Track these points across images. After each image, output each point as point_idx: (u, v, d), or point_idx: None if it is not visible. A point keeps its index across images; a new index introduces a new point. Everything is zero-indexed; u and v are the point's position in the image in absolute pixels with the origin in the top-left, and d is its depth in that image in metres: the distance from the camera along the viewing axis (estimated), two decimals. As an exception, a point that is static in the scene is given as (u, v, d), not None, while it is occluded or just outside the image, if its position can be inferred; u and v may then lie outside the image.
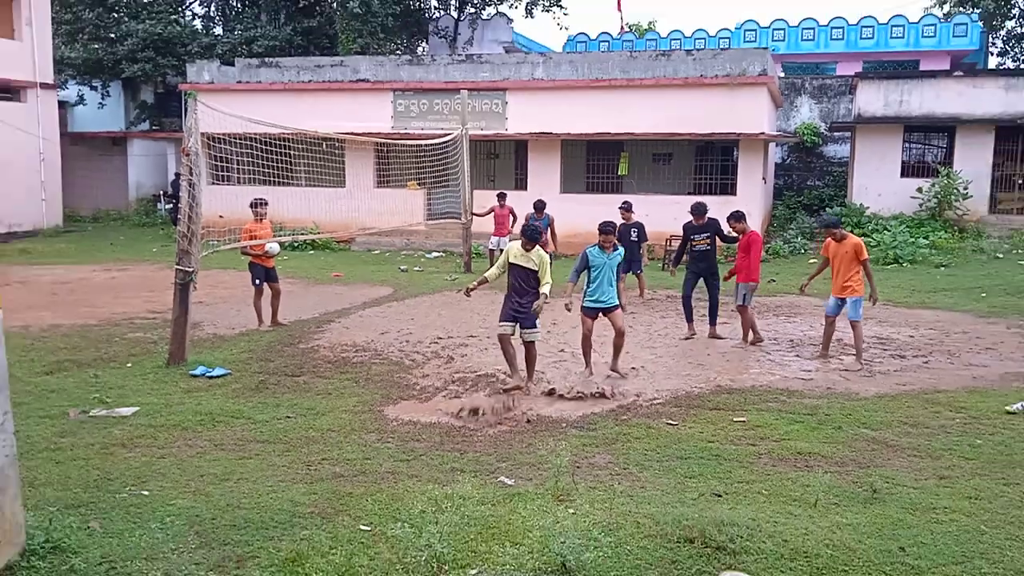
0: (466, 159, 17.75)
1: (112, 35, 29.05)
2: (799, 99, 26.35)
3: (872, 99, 21.39)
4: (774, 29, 33.23)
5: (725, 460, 6.46)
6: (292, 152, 17.82)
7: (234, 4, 33.57)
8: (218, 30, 32.32)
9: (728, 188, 20.48)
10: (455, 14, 32.02)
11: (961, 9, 33.60)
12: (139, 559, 4.61)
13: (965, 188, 20.17)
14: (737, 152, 20.49)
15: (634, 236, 12.94)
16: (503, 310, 8.62)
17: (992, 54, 35.36)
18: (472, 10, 31.96)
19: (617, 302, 9.23)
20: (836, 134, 25.53)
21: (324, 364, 9.55)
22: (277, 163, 15.74)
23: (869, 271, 9.70)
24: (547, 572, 4.52)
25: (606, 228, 9.06)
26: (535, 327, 8.60)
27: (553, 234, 14.95)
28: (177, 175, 22.77)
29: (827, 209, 22.11)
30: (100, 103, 29.86)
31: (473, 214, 17.82)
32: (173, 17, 29.92)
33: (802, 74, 30.20)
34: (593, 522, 5.08)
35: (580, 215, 18.08)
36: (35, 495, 5.48)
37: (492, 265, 10.16)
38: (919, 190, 20.68)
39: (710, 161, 21.80)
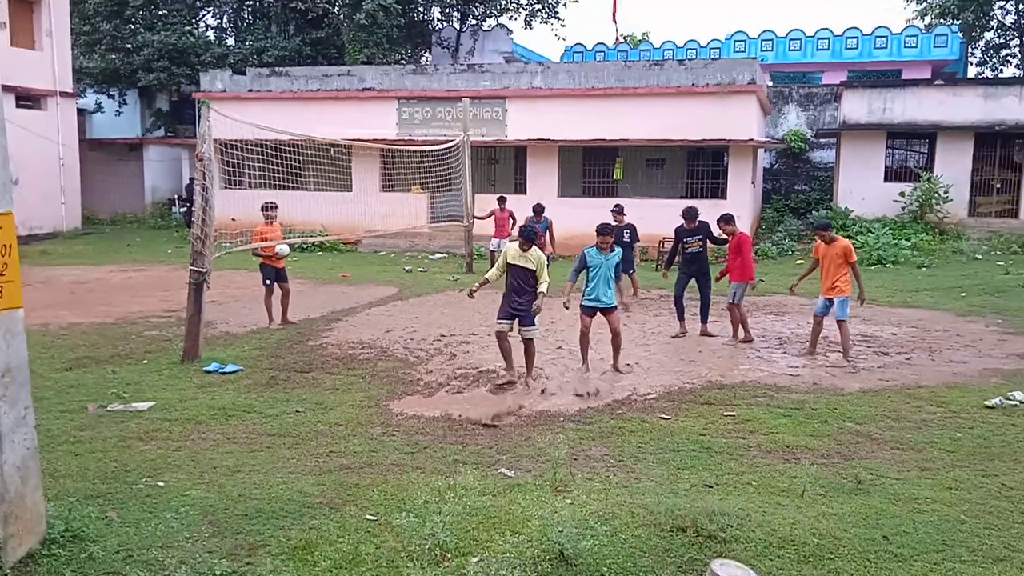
0: (468, 164, 17.74)
1: (129, 46, 29.03)
2: (787, 107, 26.35)
3: (856, 107, 21.40)
4: (763, 40, 33.22)
5: (716, 453, 6.46)
6: (301, 158, 17.81)
7: (245, 16, 33.55)
8: (230, 41, 32.29)
9: (719, 192, 20.48)
10: (457, 25, 32.00)
11: (942, 21, 33.59)
12: (155, 547, 4.61)
13: (945, 192, 20.19)
14: (727, 158, 20.50)
15: (626, 237, 12.94)
16: (501, 308, 8.63)
17: (971, 64, 35.38)
18: (473, 22, 31.94)
19: (614, 303, 9.24)
20: (822, 140, 25.53)
21: (332, 361, 9.55)
22: (287, 168, 15.76)
23: (858, 272, 9.70)
24: (545, 560, 4.52)
25: (604, 230, 9.07)
26: (534, 325, 8.60)
27: (551, 236, 14.94)
28: (191, 180, 22.73)
29: (814, 212, 22.14)
30: (117, 111, 29.84)
31: (474, 217, 17.80)
32: (187, 28, 29.90)
33: (789, 83, 30.17)
34: (590, 512, 5.08)
35: (577, 218, 18.08)
36: (55, 486, 5.48)
37: (492, 266, 10.16)
38: (901, 194, 20.71)
39: (701, 166, 21.81)
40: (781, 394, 8.19)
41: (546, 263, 8.62)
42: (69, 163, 24.52)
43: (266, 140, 14.06)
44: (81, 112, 27.89)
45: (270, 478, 5.80)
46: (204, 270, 9.28)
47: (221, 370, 8.92)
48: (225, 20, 34.08)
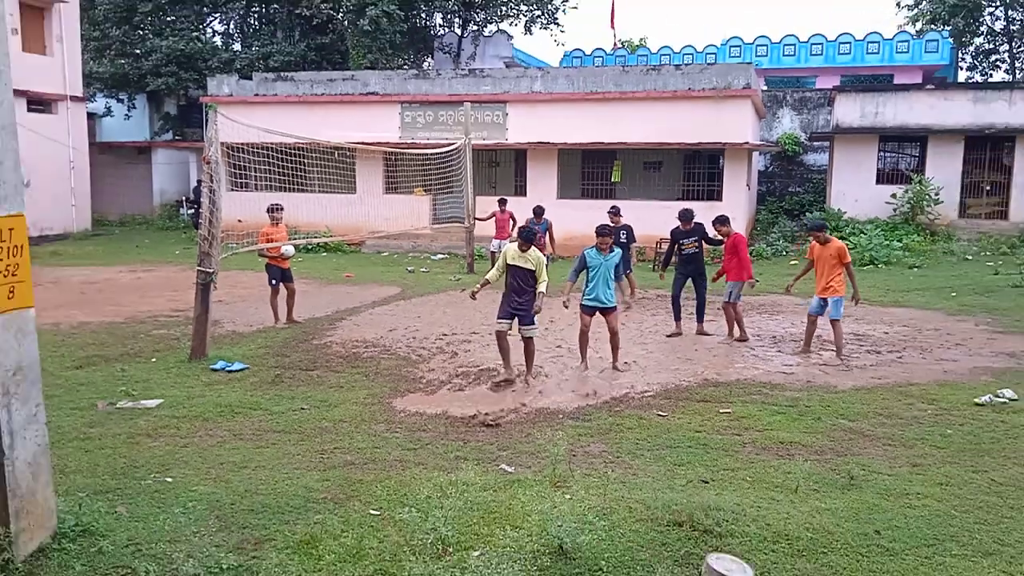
0: (469, 167, 17.73)
1: (137, 51, 29.05)
2: (781, 111, 26.33)
3: (849, 111, 21.39)
4: (757, 45, 33.19)
5: (712, 449, 6.46)
6: (306, 160, 17.82)
7: (252, 22, 33.55)
8: (237, 46, 32.29)
9: (714, 194, 20.46)
10: (459, 31, 31.98)
11: (933, 27, 33.57)
12: (163, 541, 4.61)
13: (936, 194, 20.18)
14: (723, 160, 20.47)
15: (623, 238, 12.94)
16: (501, 308, 8.62)
17: (962, 69, 35.35)
18: (475, 27, 31.93)
19: (614, 303, 9.23)
20: (815, 143, 25.51)
21: (336, 359, 9.54)
22: (292, 171, 15.76)
23: (852, 273, 9.70)
24: (545, 554, 4.52)
25: (603, 231, 9.10)
26: (533, 324, 8.60)
27: (551, 237, 14.93)
28: (199, 182, 22.75)
29: (808, 214, 22.11)
30: (126, 115, 29.88)
31: (476, 218, 17.80)
32: (195, 34, 29.91)
33: (784, 87, 30.15)
34: (588, 507, 5.08)
35: (576, 219, 18.08)
36: (66, 482, 5.48)
37: (493, 266, 10.16)
38: (893, 196, 20.70)
39: (698, 169, 21.78)
40: (776, 392, 8.19)
41: (545, 263, 8.62)
42: (79, 166, 24.53)
43: (272, 143, 14.04)
44: (91, 116, 27.93)
45: (276, 474, 5.80)
46: (211, 270, 9.28)
47: (228, 368, 8.92)
48: (232, 26, 34.09)
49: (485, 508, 5.12)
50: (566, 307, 9.10)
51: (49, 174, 22.91)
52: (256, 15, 33.31)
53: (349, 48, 29.13)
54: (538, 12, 31.99)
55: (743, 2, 77.37)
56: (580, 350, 9.26)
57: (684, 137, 19.92)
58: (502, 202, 17.24)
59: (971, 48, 34.87)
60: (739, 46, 33.25)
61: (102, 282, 15.92)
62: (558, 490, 5.46)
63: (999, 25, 33.85)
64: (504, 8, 31.97)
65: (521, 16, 32.24)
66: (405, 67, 30.42)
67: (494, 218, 17.13)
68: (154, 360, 9.41)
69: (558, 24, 32.45)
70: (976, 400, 7.73)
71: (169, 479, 5.67)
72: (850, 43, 32.18)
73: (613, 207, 13.74)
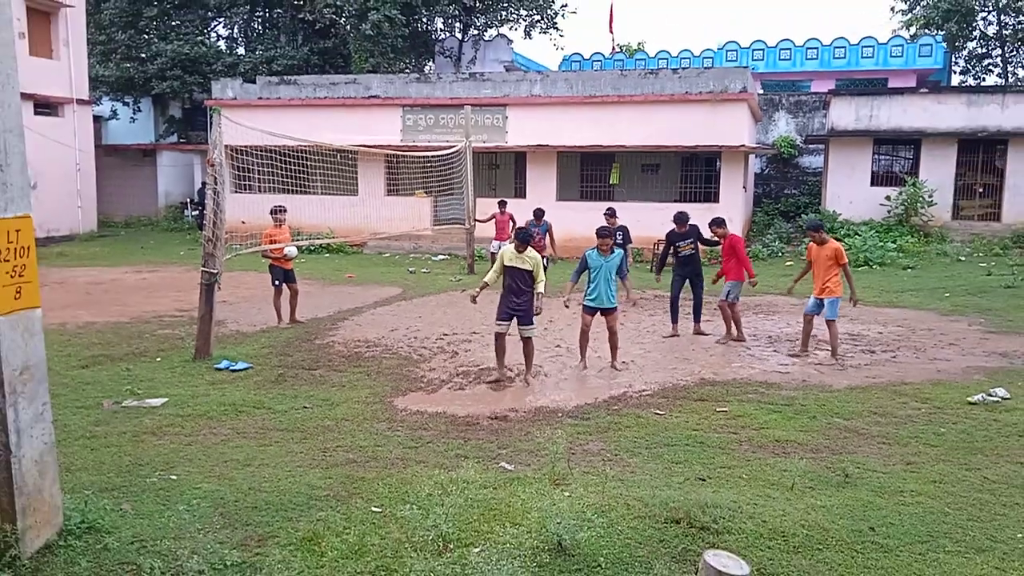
0: (469, 169, 17.74)
1: (143, 55, 29.04)
2: (777, 114, 26.34)
3: (844, 114, 21.39)
4: (754, 49, 33.22)
5: (709, 447, 6.46)
6: (309, 163, 17.84)
7: (255, 26, 33.55)
8: (241, 50, 32.29)
9: (711, 196, 20.45)
10: (459, 36, 31.99)
11: (927, 31, 33.59)
12: (168, 538, 4.61)
13: (930, 196, 20.19)
14: (720, 163, 20.47)
15: (619, 239, 12.95)
16: (500, 309, 8.62)
17: (955, 72, 35.36)
18: (475, 32, 31.94)
19: (615, 304, 9.24)
20: (811, 146, 25.52)
21: (338, 359, 9.54)
22: (295, 173, 15.77)
23: (849, 274, 9.67)
24: (544, 550, 4.52)
25: (603, 232, 9.13)
26: (532, 324, 8.60)
27: (552, 239, 14.92)
28: (203, 184, 22.78)
29: (803, 216, 22.11)
30: (132, 117, 29.86)
31: (476, 220, 17.80)
32: (199, 38, 29.91)
33: (779, 91, 30.20)
34: (587, 504, 5.08)
35: (575, 221, 18.10)
36: (72, 479, 5.47)
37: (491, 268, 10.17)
38: (888, 198, 20.71)
39: (695, 171, 21.79)
40: (772, 391, 8.19)
41: (542, 264, 8.62)
42: (85, 168, 24.51)
43: (275, 146, 14.04)
44: (97, 119, 27.92)
45: (279, 472, 5.80)
46: (215, 271, 9.28)
47: (232, 368, 8.92)
48: (236, 30, 34.11)
49: (485, 505, 5.12)
50: (567, 307, 9.11)
51: (55, 176, 22.91)
52: (260, 19, 33.33)
53: (351, 52, 29.13)
54: (538, 17, 32.02)
55: (740, 7, 77.44)
56: (580, 349, 9.27)
57: (681, 140, 19.92)
58: (502, 204, 17.24)
59: (964, 52, 34.90)
60: (736, 50, 33.28)
61: (108, 283, 15.91)
62: (557, 488, 5.46)
63: (992, 30, 33.88)
64: (504, 13, 31.98)
65: (521, 21, 32.26)
66: (407, 71, 30.40)
67: (494, 220, 17.11)
68: (159, 359, 9.41)
69: (557, 28, 32.51)
70: (969, 399, 7.73)
71: (174, 477, 5.66)
72: (845, 47, 32.21)
73: (609, 208, 13.75)
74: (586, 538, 4.55)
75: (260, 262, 12.49)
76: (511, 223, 16.88)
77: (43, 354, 4.50)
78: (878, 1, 76.70)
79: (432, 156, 18.55)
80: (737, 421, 7.17)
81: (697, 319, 11.19)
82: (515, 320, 8.55)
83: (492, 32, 32.81)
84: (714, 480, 5.74)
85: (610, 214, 13.40)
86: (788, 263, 18.58)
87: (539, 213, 14.71)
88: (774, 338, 10.92)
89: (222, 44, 33.13)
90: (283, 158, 15.38)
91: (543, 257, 13.49)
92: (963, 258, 18.58)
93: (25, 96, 19.47)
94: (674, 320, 11.18)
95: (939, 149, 20.80)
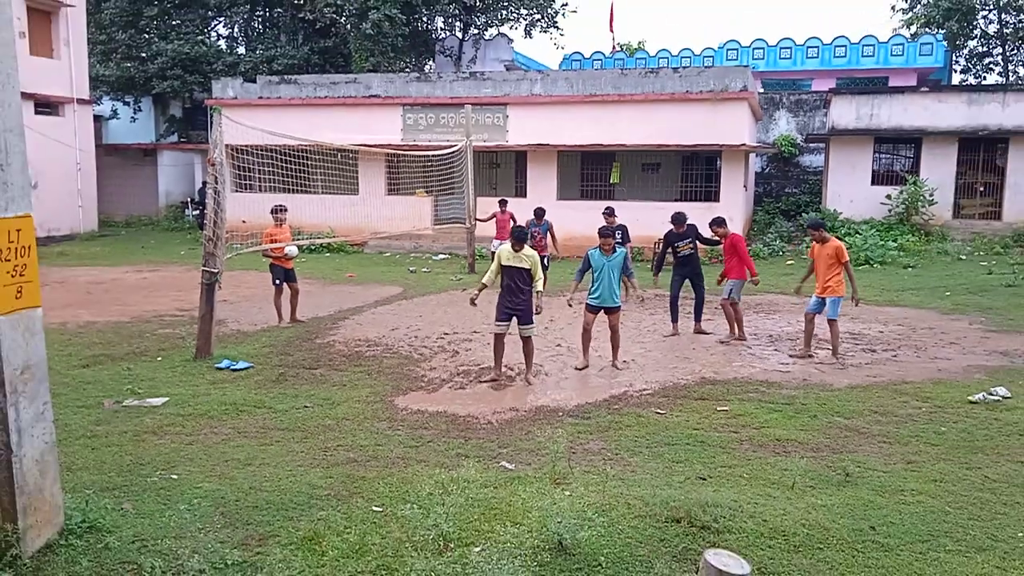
0: (470, 168, 17.73)
1: (143, 54, 29.04)
2: (777, 113, 26.32)
3: (845, 113, 21.38)
4: (754, 48, 33.19)
5: (709, 446, 6.46)
6: (309, 162, 17.82)
7: (256, 26, 33.55)
8: (241, 50, 32.28)
9: (712, 195, 20.45)
10: (460, 35, 31.98)
11: (927, 30, 33.55)
12: (169, 538, 4.61)
13: (931, 195, 20.17)
14: (720, 162, 20.46)
15: (618, 238, 12.95)
16: (498, 309, 8.61)
17: (956, 71, 35.31)
18: (475, 31, 31.92)
19: (618, 303, 9.24)
20: (812, 145, 25.50)
21: (339, 358, 9.55)
22: (295, 172, 15.77)
23: (851, 273, 9.64)
24: (545, 549, 4.52)
25: (604, 232, 9.16)
26: (532, 323, 8.60)
27: (553, 238, 14.92)
28: (204, 184, 22.78)
29: (804, 215, 22.10)
30: (132, 117, 29.86)
31: (476, 219, 17.79)
32: (200, 38, 29.90)
33: (780, 90, 30.15)
34: (588, 503, 5.08)
35: (575, 220, 18.10)
36: (72, 479, 5.48)
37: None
38: (888, 197, 20.70)
39: (695, 170, 21.79)
40: (772, 390, 8.19)
41: (540, 262, 8.63)
42: (86, 168, 24.51)
43: (276, 145, 14.03)
44: (97, 118, 27.92)
45: (279, 471, 5.80)
46: (216, 270, 9.28)
47: (232, 367, 8.92)
48: (236, 30, 34.10)
49: (486, 504, 5.12)
50: (570, 306, 9.12)
51: (56, 176, 22.91)
52: (260, 19, 33.32)
53: (352, 51, 29.10)
54: (538, 16, 31.99)
55: (740, 6, 77.41)
56: (582, 346, 9.28)
57: (682, 139, 19.91)
58: (503, 203, 17.22)
59: (965, 51, 34.84)
60: (736, 49, 33.25)
61: (108, 282, 15.92)
62: (558, 487, 5.46)
63: (992, 28, 33.83)
64: (504, 12, 31.96)
65: (521, 20, 32.24)
66: (407, 70, 30.41)
67: (495, 219, 17.10)
68: (160, 359, 9.42)
69: (558, 28, 32.49)
70: (970, 398, 7.73)
71: (175, 476, 5.67)
72: (846, 46, 32.18)
73: (608, 208, 13.75)
74: (587, 537, 4.55)
75: (261, 261, 12.49)
76: (512, 222, 16.87)
77: (44, 353, 4.50)
78: (878, 0, 76.70)
79: (433, 155, 18.54)
80: (738, 420, 7.17)
81: (698, 318, 11.19)
82: (515, 320, 8.55)
83: (492, 31, 32.80)
84: (715, 479, 5.74)
85: (609, 213, 13.41)
86: (789, 262, 18.58)
87: (540, 212, 14.70)
88: (775, 337, 10.91)
89: (222, 43, 33.13)
90: (284, 157, 15.37)
91: (544, 256, 13.53)
92: (964, 257, 18.57)
93: (26, 96, 19.47)
94: (674, 319, 11.18)
95: (940, 148, 20.79)
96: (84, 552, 4.42)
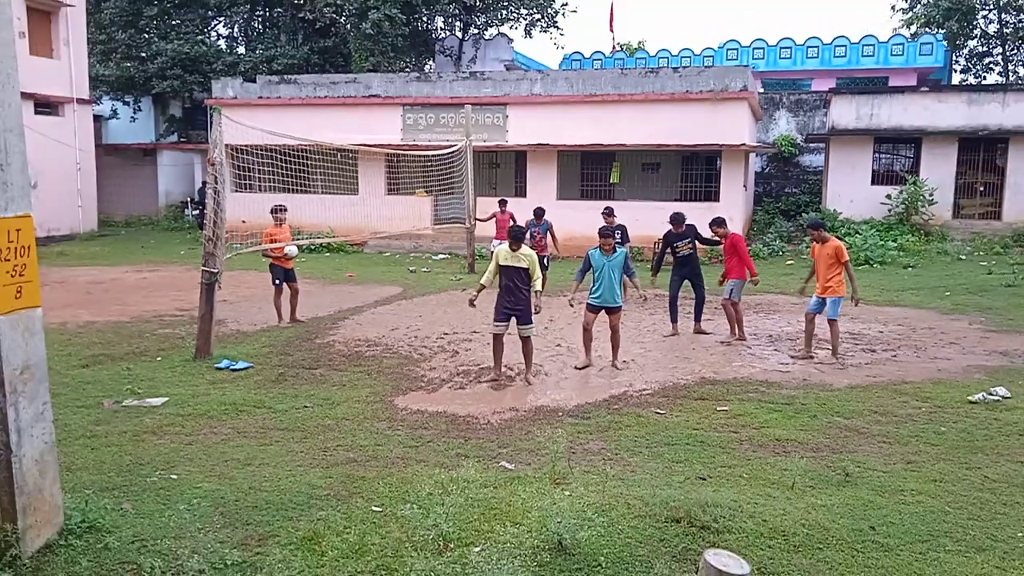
0: (470, 168, 17.73)
1: (143, 54, 29.04)
2: (777, 113, 26.32)
3: (845, 112, 21.38)
4: (754, 48, 33.19)
5: (709, 446, 6.46)
6: (309, 162, 17.83)
7: (256, 26, 33.55)
8: (241, 50, 32.28)
9: (712, 195, 20.45)
10: (460, 35, 31.99)
11: (927, 30, 33.55)
12: (168, 538, 4.61)
13: (930, 195, 20.18)
14: (720, 162, 20.47)
15: (617, 238, 12.95)
16: (497, 309, 8.61)
17: (956, 71, 35.31)
18: (475, 31, 31.93)
19: (619, 303, 9.25)
20: (812, 145, 25.50)
21: (339, 358, 9.55)
22: (295, 172, 15.77)
23: (851, 273, 9.63)
24: (545, 549, 4.52)
25: (604, 232, 9.18)
26: (531, 323, 8.59)
27: (554, 238, 14.92)
28: (203, 183, 22.77)
29: (804, 214, 22.10)
30: (132, 117, 29.87)
31: (476, 219, 17.80)
32: (199, 38, 29.90)
33: (780, 90, 30.17)
34: (587, 503, 5.08)
35: (575, 220, 18.10)
36: (72, 479, 5.48)
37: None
38: (888, 196, 20.70)
39: (695, 170, 21.79)
40: (772, 390, 8.19)
41: (538, 261, 8.64)
42: (86, 167, 24.51)
43: (276, 145, 14.04)
44: (97, 118, 27.91)
45: (279, 471, 5.80)
46: (216, 270, 9.28)
47: (232, 367, 8.92)
48: (236, 30, 34.10)
49: (486, 504, 5.12)
50: (571, 306, 9.12)
51: (56, 176, 22.91)
52: (260, 19, 33.32)
53: (352, 51, 29.12)
54: (538, 16, 32.01)
55: (740, 6, 77.41)
56: (583, 344, 9.28)
57: (682, 139, 19.91)
58: (502, 203, 17.22)
59: (965, 51, 34.84)
60: (736, 49, 33.25)
61: (108, 282, 15.92)
62: (558, 487, 5.46)
63: (992, 28, 33.83)
64: (504, 12, 31.98)
65: (521, 20, 32.26)
66: (407, 70, 30.43)
67: (494, 219, 17.10)
68: (159, 359, 9.41)
69: (557, 27, 32.51)
70: (969, 398, 7.73)
71: (174, 476, 5.67)
72: (846, 46, 32.18)
73: (607, 208, 13.75)
74: (586, 537, 4.55)
75: (260, 261, 12.49)
76: (511, 222, 16.85)
77: (43, 353, 4.50)
78: (878, 0, 76.71)
79: (432, 155, 18.54)
80: (737, 420, 7.17)
81: (698, 318, 11.19)
82: (514, 320, 8.54)
83: (492, 31, 32.81)
84: (714, 479, 5.74)
85: (608, 213, 13.41)
86: (789, 262, 18.57)
87: (539, 212, 14.70)
88: (775, 337, 10.91)
89: (222, 43, 33.13)
90: (283, 157, 15.37)
91: (544, 256, 13.53)
92: (964, 257, 18.57)
93: (25, 95, 19.47)
94: (674, 319, 11.18)
95: (940, 148, 20.80)
96: (84, 552, 4.42)
